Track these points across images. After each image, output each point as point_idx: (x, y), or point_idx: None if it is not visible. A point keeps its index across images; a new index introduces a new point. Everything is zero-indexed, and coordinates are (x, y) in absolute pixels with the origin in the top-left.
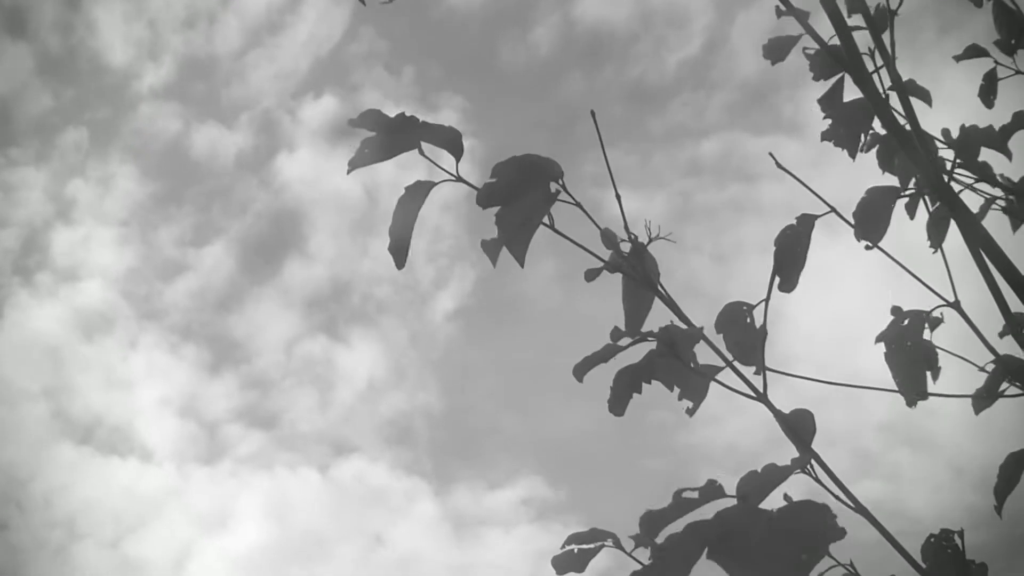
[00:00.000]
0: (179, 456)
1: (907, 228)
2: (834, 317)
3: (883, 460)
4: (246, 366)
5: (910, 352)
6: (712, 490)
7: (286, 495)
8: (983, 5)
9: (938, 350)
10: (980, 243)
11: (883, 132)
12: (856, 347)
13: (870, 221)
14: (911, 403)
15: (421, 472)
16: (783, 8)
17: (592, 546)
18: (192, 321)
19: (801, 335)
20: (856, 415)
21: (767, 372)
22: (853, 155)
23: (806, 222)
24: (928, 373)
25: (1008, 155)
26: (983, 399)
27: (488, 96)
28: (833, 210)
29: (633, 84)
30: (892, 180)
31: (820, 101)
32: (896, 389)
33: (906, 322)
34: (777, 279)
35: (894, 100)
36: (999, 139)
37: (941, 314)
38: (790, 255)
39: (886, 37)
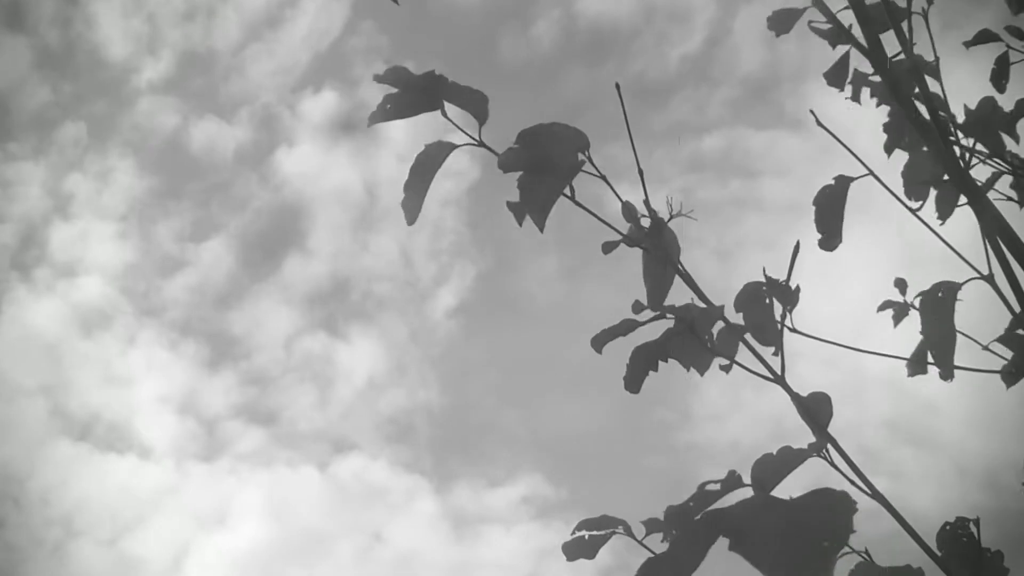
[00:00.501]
0: (178, 453)
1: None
2: (842, 311)
3: (886, 457)
4: (245, 363)
5: (943, 326)
6: (733, 480)
7: (285, 493)
8: None
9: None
10: (995, 227)
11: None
12: (865, 340)
13: (916, 184)
14: (946, 376)
15: (421, 470)
16: None
17: (603, 533)
18: (191, 317)
19: (809, 328)
20: (860, 411)
21: (789, 343)
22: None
23: (843, 183)
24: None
25: (1016, 138)
26: (1012, 374)
27: (489, 91)
28: (871, 172)
29: (635, 79)
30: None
31: (826, 75)
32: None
33: (940, 294)
34: (819, 236)
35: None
36: (1008, 122)
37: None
38: (830, 211)
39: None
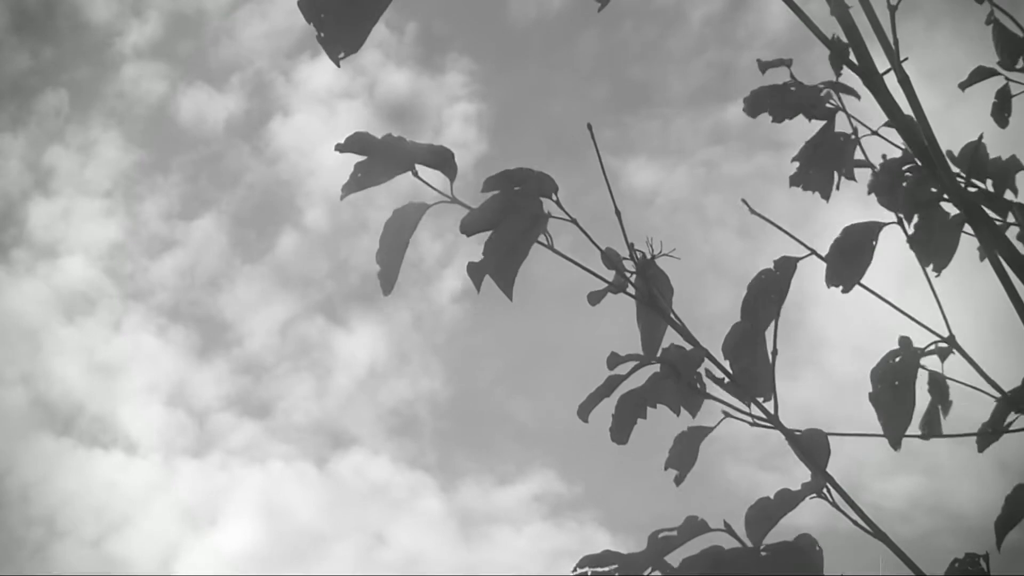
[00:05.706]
0: (166, 448)
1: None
2: (873, 298)
3: (922, 452)
4: (238, 350)
5: (897, 392)
6: (693, 526)
7: (280, 490)
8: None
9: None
10: (1002, 252)
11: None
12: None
13: (846, 264)
14: (895, 445)
15: (425, 466)
16: None
17: (606, 569)
18: (180, 301)
19: (835, 315)
20: None
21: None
22: (827, 196)
23: (786, 267)
24: (939, 407)
25: (1015, 190)
26: (988, 435)
27: (497, 56)
28: (813, 252)
29: (653, 43)
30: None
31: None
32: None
33: (897, 359)
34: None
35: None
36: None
37: (936, 346)
38: (755, 307)
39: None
